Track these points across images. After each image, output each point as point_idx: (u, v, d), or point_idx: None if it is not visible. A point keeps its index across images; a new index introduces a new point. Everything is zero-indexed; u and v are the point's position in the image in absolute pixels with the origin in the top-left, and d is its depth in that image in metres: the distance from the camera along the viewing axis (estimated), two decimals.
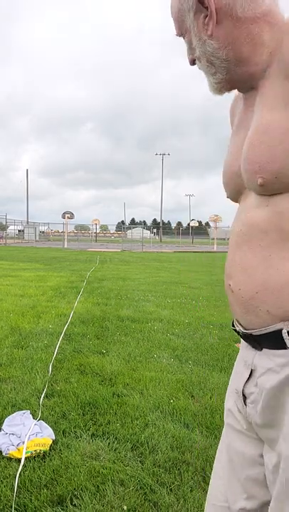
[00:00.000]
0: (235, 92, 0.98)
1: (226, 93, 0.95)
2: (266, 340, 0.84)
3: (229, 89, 0.94)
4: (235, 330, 0.96)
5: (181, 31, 0.94)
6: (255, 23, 0.83)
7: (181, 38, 0.96)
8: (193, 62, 0.96)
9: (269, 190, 0.81)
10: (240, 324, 0.91)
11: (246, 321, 0.88)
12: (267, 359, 0.84)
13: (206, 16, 0.86)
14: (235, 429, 0.97)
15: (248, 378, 0.89)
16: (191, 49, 0.94)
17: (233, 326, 0.97)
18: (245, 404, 0.91)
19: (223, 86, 0.93)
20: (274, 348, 0.82)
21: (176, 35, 0.96)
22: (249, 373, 0.89)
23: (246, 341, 0.91)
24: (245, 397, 0.91)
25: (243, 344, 0.96)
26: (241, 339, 0.96)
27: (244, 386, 0.90)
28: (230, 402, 1.00)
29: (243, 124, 0.92)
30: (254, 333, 0.86)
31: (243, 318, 0.88)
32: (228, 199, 1.00)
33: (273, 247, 0.81)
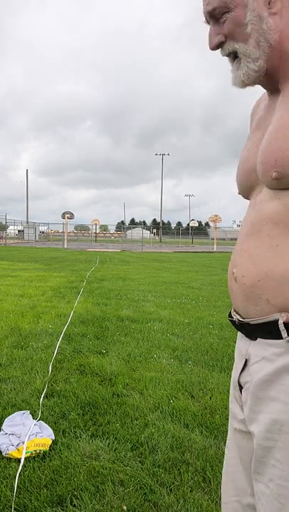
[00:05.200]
0: (258, 98, 0.99)
1: (249, 88, 0.93)
2: (262, 330, 0.86)
3: (258, 83, 0.92)
4: (231, 320, 0.98)
5: (227, 4, 0.86)
6: None
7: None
8: (218, 46, 0.90)
9: (283, 184, 0.84)
10: (237, 314, 0.93)
11: (245, 310, 0.89)
12: (262, 348, 0.86)
13: None
14: (236, 430, 0.98)
15: (243, 368, 0.91)
16: (225, 27, 0.88)
17: (230, 316, 0.99)
18: (242, 394, 0.93)
19: (258, 76, 0.89)
20: (269, 338, 0.84)
21: (208, 11, 0.88)
22: (244, 363, 0.91)
23: (241, 331, 0.94)
24: (241, 388, 0.93)
25: (238, 336, 0.98)
26: (238, 331, 0.98)
27: (240, 376, 0.92)
28: (232, 402, 1.02)
29: (263, 123, 0.94)
30: (251, 323, 0.87)
31: (242, 307, 0.90)
32: (240, 196, 1.02)
33: (281, 238, 0.84)
